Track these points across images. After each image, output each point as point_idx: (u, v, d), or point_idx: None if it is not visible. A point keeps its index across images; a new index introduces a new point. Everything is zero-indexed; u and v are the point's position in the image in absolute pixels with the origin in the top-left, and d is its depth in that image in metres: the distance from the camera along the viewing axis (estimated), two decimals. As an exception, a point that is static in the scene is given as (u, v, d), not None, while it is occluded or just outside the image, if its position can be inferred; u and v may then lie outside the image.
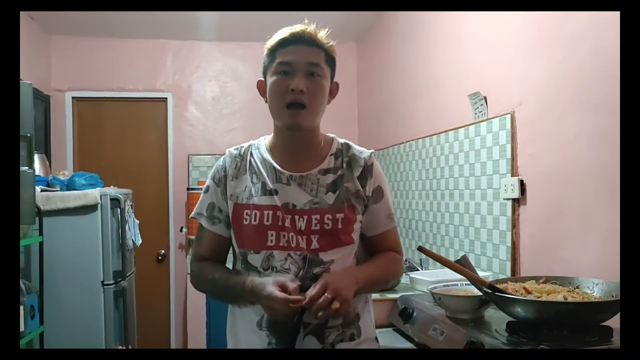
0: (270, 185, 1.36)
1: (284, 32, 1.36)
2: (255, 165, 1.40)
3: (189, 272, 1.51)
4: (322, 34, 1.37)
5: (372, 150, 1.47)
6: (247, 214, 1.36)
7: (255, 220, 1.34)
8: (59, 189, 3.09)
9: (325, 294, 1.20)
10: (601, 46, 1.70)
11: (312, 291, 1.22)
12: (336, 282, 1.23)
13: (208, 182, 1.45)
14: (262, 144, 1.45)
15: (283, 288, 1.22)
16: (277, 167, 1.38)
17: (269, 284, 1.24)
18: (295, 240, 1.32)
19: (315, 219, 1.33)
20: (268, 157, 1.40)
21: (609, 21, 1.65)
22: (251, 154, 1.43)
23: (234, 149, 1.46)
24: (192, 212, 1.46)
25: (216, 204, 1.42)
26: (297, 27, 1.35)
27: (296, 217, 1.33)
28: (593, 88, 1.74)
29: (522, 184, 2.13)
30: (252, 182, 1.38)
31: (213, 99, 4.62)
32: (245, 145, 1.46)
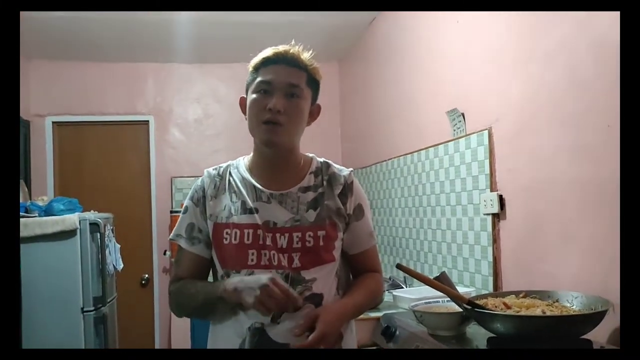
0: (250, 203, 1.34)
1: (267, 51, 1.36)
2: (234, 184, 1.39)
3: (168, 295, 1.46)
4: (305, 56, 1.37)
5: (352, 169, 1.47)
6: (227, 233, 1.34)
7: (235, 240, 1.33)
8: (37, 214, 3.05)
9: (317, 343, 1.20)
10: (574, 63, 1.73)
11: (309, 339, 1.20)
12: (332, 331, 1.24)
13: (186, 202, 1.44)
14: (241, 163, 1.44)
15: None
16: (257, 185, 1.37)
17: (266, 276, 1.22)
18: (276, 259, 1.31)
19: (297, 236, 1.32)
20: (247, 176, 1.40)
21: (582, 38, 1.69)
22: (230, 173, 1.42)
23: (213, 169, 1.45)
24: (171, 234, 1.44)
25: (196, 224, 1.40)
26: (281, 47, 1.35)
27: (277, 235, 1.32)
28: (569, 104, 1.76)
29: (501, 199, 2.14)
30: (231, 201, 1.37)
31: (195, 121, 4.61)
32: (224, 165, 1.46)
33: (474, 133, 2.33)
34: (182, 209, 1.45)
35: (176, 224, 1.43)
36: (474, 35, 2.35)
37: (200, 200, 1.40)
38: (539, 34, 1.90)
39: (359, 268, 1.46)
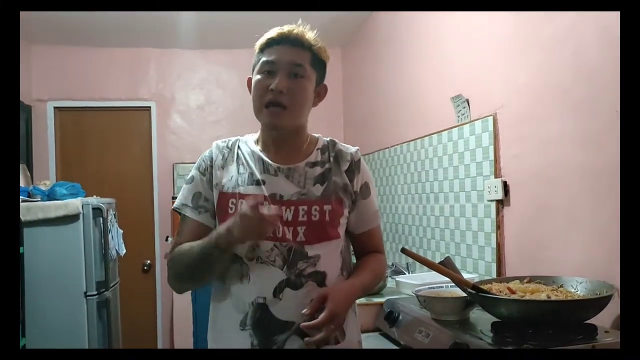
0: (257, 175, 1.35)
1: (272, 32, 1.36)
2: (242, 156, 1.40)
3: (167, 267, 1.41)
4: (310, 35, 1.36)
5: (358, 147, 1.47)
6: (232, 202, 1.34)
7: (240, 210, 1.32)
8: (39, 199, 3.05)
9: (327, 322, 1.20)
10: (581, 49, 1.71)
11: (319, 319, 1.20)
12: (341, 311, 1.24)
13: (192, 172, 1.43)
14: (249, 139, 1.45)
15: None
16: (265, 158, 1.38)
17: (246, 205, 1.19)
18: (281, 231, 1.31)
19: (303, 209, 1.32)
20: (256, 149, 1.41)
21: (589, 24, 1.67)
22: (239, 146, 1.43)
23: (222, 142, 1.45)
24: (175, 203, 1.42)
25: (202, 193, 1.39)
26: (286, 28, 1.35)
27: (283, 207, 1.32)
28: (574, 90, 1.75)
29: (505, 185, 2.13)
30: (239, 172, 1.37)
31: (197, 107, 4.60)
32: (233, 139, 1.46)
33: (478, 119, 2.32)
34: (186, 179, 1.44)
35: (180, 194, 1.42)
36: (479, 21, 2.33)
37: (208, 169, 1.40)
38: (546, 20, 1.88)
39: (364, 248, 1.47)
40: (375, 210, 1.46)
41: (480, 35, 2.32)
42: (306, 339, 1.22)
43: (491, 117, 2.21)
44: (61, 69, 4.34)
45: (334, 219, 1.35)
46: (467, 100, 2.42)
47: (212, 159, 1.41)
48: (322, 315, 1.21)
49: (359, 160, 1.43)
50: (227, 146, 1.43)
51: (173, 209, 1.46)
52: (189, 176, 1.44)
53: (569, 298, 1.43)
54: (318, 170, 1.38)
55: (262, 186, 1.34)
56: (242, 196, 1.33)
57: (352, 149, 1.45)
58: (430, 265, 1.55)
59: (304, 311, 1.23)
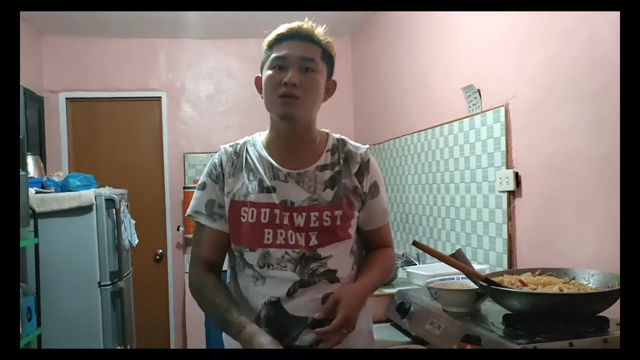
0: (267, 182, 1.35)
1: (281, 28, 1.36)
2: (251, 162, 1.39)
3: (188, 274, 1.43)
4: (319, 30, 1.36)
5: (367, 146, 1.47)
6: (244, 211, 1.34)
7: (252, 218, 1.33)
8: (53, 190, 3.08)
9: (340, 327, 1.23)
10: (595, 38, 1.69)
11: (332, 324, 1.23)
12: (354, 314, 1.27)
13: (204, 179, 1.42)
14: (257, 140, 1.44)
15: None
16: (275, 164, 1.37)
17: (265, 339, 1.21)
18: (293, 238, 1.32)
19: (314, 215, 1.33)
20: (265, 153, 1.39)
21: (601, 14, 1.65)
22: (247, 150, 1.41)
23: (229, 146, 1.44)
24: (189, 210, 1.42)
25: (216, 200, 1.39)
26: (295, 23, 1.35)
27: (294, 214, 1.33)
28: (587, 79, 1.73)
29: (517, 176, 2.12)
30: (248, 179, 1.37)
31: (208, 97, 4.60)
32: (241, 142, 1.45)
33: (490, 110, 2.31)
34: (197, 185, 1.44)
35: (192, 201, 1.42)
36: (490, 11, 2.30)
37: (220, 177, 1.40)
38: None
39: (373, 243, 1.49)
40: (384, 208, 1.46)
41: (492, 25, 2.30)
42: (321, 343, 1.25)
43: (503, 108, 2.20)
44: (72, 60, 4.36)
45: (344, 222, 1.36)
46: (479, 91, 2.41)
47: (222, 165, 1.40)
48: (334, 321, 1.23)
49: (369, 160, 1.43)
50: (235, 152, 1.42)
51: (187, 215, 1.45)
52: (200, 182, 1.43)
53: (582, 291, 1.43)
54: (328, 173, 1.37)
55: (273, 194, 1.34)
56: (253, 204, 1.34)
57: (362, 148, 1.44)
58: (442, 258, 1.55)
59: (316, 315, 1.26)
